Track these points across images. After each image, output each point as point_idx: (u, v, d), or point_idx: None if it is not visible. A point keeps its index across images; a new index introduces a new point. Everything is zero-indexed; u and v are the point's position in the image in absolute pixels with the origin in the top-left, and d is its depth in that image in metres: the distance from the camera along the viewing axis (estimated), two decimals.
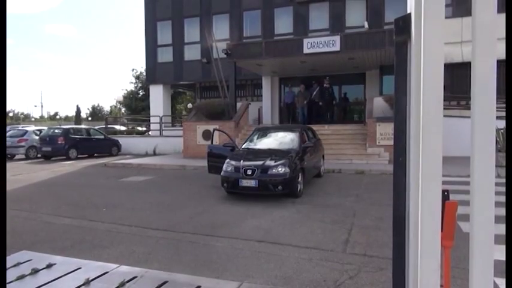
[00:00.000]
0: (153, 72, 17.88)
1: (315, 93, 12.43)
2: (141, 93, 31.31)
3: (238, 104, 13.44)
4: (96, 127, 18.06)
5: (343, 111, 14.49)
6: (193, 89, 20.68)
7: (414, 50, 0.99)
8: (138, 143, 16.02)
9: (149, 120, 19.56)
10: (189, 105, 24.82)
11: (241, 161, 5.94)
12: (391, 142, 9.50)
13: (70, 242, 3.89)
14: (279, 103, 15.09)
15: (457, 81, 11.42)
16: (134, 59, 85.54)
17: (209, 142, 8.02)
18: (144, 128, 22.75)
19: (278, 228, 4.32)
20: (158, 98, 17.68)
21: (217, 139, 10.97)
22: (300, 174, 6.04)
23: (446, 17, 0.99)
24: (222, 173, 6.03)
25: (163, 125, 16.55)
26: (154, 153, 15.07)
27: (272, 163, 5.84)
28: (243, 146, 7.11)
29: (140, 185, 7.76)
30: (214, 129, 7.91)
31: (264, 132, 7.86)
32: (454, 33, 11.45)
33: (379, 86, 13.88)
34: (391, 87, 12.40)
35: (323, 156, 8.61)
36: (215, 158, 6.99)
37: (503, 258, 0.98)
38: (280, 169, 5.71)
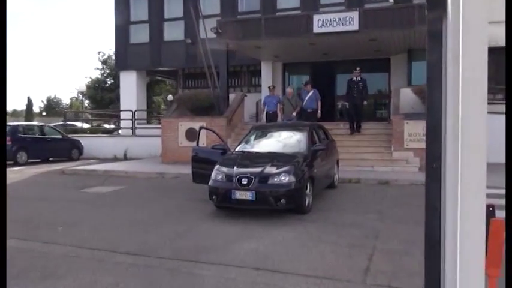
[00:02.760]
0: (125, 56, 17.80)
1: (308, 97, 11.41)
2: (109, 82, 31.31)
3: (231, 96, 13.40)
4: (52, 124, 18.00)
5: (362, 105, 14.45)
6: (174, 76, 20.69)
7: (451, 29, 0.99)
8: (104, 144, 15.95)
9: (119, 115, 19.55)
10: (170, 97, 24.87)
11: (235, 168, 5.98)
12: (423, 145, 9.49)
13: (16, 270, 3.86)
14: (282, 95, 15.27)
15: (503, 69, 11.60)
16: (101, 39, 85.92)
17: (194, 144, 8.02)
18: (113, 126, 22.72)
19: (280, 252, 4.34)
20: (130, 88, 17.59)
21: (204, 140, 10.98)
22: (308, 185, 6.06)
23: None
24: (210, 183, 6.09)
25: (136, 122, 16.50)
26: (125, 158, 15.02)
27: (273, 170, 5.87)
28: (237, 149, 7.14)
29: (107, 197, 7.76)
30: (200, 128, 7.93)
31: (263, 131, 8.01)
32: (500, 10, 11.59)
33: (407, 74, 13.93)
34: (423, 76, 12.45)
35: (337, 162, 8.60)
36: (202, 164, 7.02)
37: None
38: (283, 178, 5.76)
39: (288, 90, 11.99)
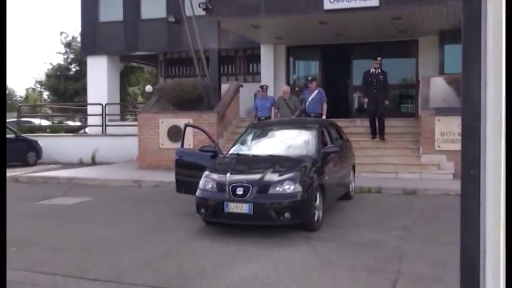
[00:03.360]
0: (93, 38, 17.82)
1: (311, 98, 11.06)
2: (73, 70, 31.26)
3: (224, 87, 13.42)
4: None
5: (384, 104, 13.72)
6: (154, 63, 20.69)
7: (492, 5, 0.98)
8: (68, 145, 15.93)
9: (86, 110, 19.57)
10: (148, 88, 24.87)
11: (228, 174, 6.00)
12: (458, 146, 9.47)
13: None
14: (286, 84, 15.29)
15: None
16: (64, 17, 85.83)
17: (178, 145, 8.03)
18: (79, 123, 22.72)
19: (284, 278, 4.34)
20: (100, 77, 17.57)
21: (190, 140, 10.94)
22: (317, 195, 6.10)
23: None
24: (197, 193, 6.05)
25: (107, 118, 16.50)
26: (94, 162, 15.03)
27: (275, 177, 5.87)
28: (230, 151, 7.18)
29: (71, 210, 7.74)
30: (186, 125, 7.90)
31: (263, 130, 7.92)
32: None
33: (438, 60, 13.93)
34: (457, 62, 12.44)
35: (353, 168, 8.60)
36: (187, 170, 7.06)
37: None
38: (287, 187, 5.74)
39: (284, 89, 11.70)
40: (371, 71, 11.51)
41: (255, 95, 14.78)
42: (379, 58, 11.59)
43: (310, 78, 12.00)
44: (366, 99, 11.83)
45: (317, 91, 11.09)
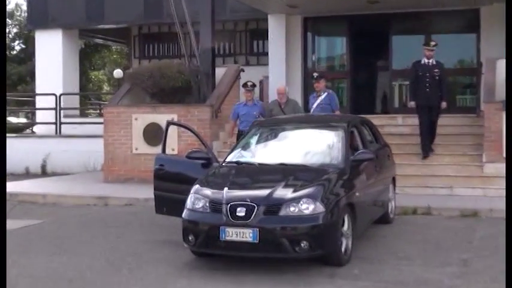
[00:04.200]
0: (44, 6, 17.80)
1: (316, 104, 10.65)
2: (17, 48, 31.39)
3: (220, 72, 13.40)
4: None
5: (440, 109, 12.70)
6: (125, 39, 20.64)
7: None
8: (10, 150, 15.69)
9: (34, 103, 19.45)
10: (117, 73, 24.82)
11: (225, 190, 6.00)
12: None
13: None
14: (303, 69, 15.14)
15: None
16: None
17: (158, 150, 8.00)
18: (24, 120, 22.69)
19: None
20: (53, 58, 17.60)
21: (175, 143, 10.94)
22: (345, 218, 6.11)
23: None
24: (184, 214, 6.09)
25: (62, 113, 16.52)
26: (44, 172, 15.08)
27: (289, 194, 5.86)
28: (228, 158, 7.22)
29: (15, 237, 7.59)
30: (168, 123, 7.89)
31: (272, 130, 7.89)
32: None
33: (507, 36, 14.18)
34: None
35: (394, 181, 8.59)
36: (171, 183, 7.11)
37: None
38: (305, 206, 5.72)
39: (280, 88, 11.07)
40: (422, 62, 11.09)
41: (261, 82, 14.82)
42: (432, 43, 11.13)
43: (315, 75, 11.37)
44: (412, 103, 11.41)
45: (325, 94, 10.73)
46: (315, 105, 10.75)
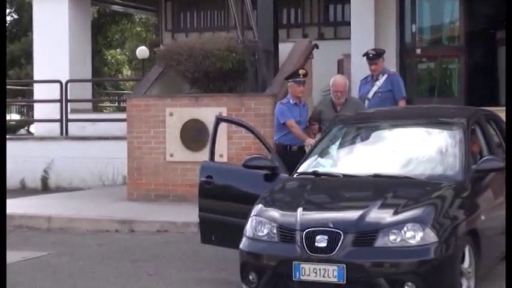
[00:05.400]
0: None
1: (373, 93, 10.73)
2: (8, 19, 32.33)
3: (285, 48, 13.51)
4: None
5: None
6: (153, 4, 21.08)
7: None
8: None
9: (31, 93, 19.97)
10: (141, 51, 25.27)
11: (300, 211, 6.07)
12: None
13: None
14: (399, 44, 15.08)
15: None
16: None
17: (202, 156, 8.18)
18: (17, 117, 23.43)
19: None
20: (57, 33, 18.25)
21: (224, 147, 11.07)
22: (467, 250, 6.02)
23: None
24: (243, 245, 6.20)
25: (70, 107, 16.95)
26: (46, 187, 15.39)
27: (387, 217, 5.91)
28: (302, 168, 7.24)
29: (11, 274, 7.55)
30: (218, 119, 7.93)
31: (360, 129, 8.03)
32: None
33: None
34: None
35: None
36: (221, 202, 7.26)
37: None
38: (410, 234, 5.73)
39: (338, 81, 10.47)
40: None
41: (340, 63, 14.82)
42: None
43: (370, 52, 10.95)
44: None
45: (385, 77, 10.61)
46: (370, 94, 10.51)
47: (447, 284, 5.75)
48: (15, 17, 30.09)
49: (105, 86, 24.28)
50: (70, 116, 16.68)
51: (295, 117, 10.01)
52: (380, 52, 10.87)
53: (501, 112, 9.40)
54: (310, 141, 9.86)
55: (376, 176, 6.67)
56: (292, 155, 9.56)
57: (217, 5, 16.40)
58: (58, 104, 16.63)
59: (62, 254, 8.81)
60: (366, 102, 10.34)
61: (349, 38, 15.03)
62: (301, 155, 9.15)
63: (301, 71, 10.28)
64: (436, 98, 14.01)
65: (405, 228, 5.68)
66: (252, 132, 7.81)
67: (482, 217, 6.29)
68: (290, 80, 10.35)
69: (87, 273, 7.74)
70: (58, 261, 8.37)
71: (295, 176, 7.02)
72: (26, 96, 20.29)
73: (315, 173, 6.97)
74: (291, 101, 10.21)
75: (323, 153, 7.39)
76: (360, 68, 11.71)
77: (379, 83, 10.37)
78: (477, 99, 10.61)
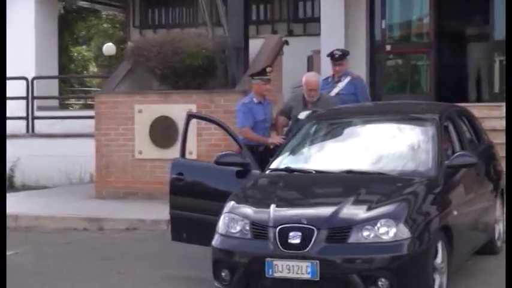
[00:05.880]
0: None
1: (335, 94, 10.65)
2: None
3: (255, 45, 13.52)
4: None
5: None
6: (123, 2, 20.83)
7: None
8: None
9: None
10: (108, 48, 25.02)
11: (272, 207, 6.03)
12: None
13: None
14: (369, 41, 15.16)
15: None
16: None
17: (170, 153, 8.08)
18: None
19: None
20: (23, 28, 17.86)
21: (193, 144, 10.93)
22: (439, 246, 6.05)
23: None
24: (215, 242, 6.13)
25: (36, 104, 16.82)
26: (13, 185, 15.22)
27: (361, 213, 5.88)
28: (274, 165, 7.21)
29: None
30: (189, 116, 7.87)
31: (333, 124, 8.02)
32: None
33: None
34: None
35: (501, 193, 8.40)
36: (192, 199, 7.23)
37: None
38: (383, 230, 5.73)
39: (310, 78, 10.31)
40: None
41: (309, 59, 14.78)
42: None
43: (335, 52, 10.93)
44: None
45: (347, 79, 10.58)
46: (333, 95, 10.35)
47: (420, 280, 5.75)
48: None
49: (71, 83, 23.89)
50: (36, 114, 16.52)
51: (259, 117, 9.71)
52: (345, 53, 10.94)
53: (472, 108, 9.47)
54: (274, 140, 9.75)
55: (349, 172, 6.67)
56: (260, 154, 9.29)
57: (186, 2, 16.26)
58: (24, 101, 16.42)
59: (29, 252, 8.80)
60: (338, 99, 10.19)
61: (318, 35, 15.04)
62: (268, 154, 9.18)
63: (268, 69, 10.15)
64: (406, 94, 13.87)
65: (378, 224, 5.67)
66: (224, 128, 7.74)
67: (455, 212, 6.35)
68: (256, 78, 10.08)
69: (55, 272, 7.71)
70: (26, 260, 8.34)
71: (267, 172, 6.99)
72: None
73: (287, 169, 6.94)
74: (254, 99, 9.87)
75: (295, 149, 7.35)
76: (329, 65, 11.42)
77: (341, 85, 10.41)
78: (447, 96, 10.61)
